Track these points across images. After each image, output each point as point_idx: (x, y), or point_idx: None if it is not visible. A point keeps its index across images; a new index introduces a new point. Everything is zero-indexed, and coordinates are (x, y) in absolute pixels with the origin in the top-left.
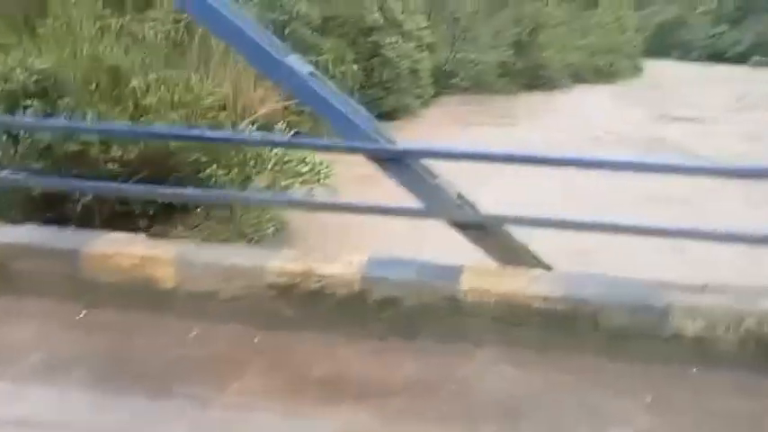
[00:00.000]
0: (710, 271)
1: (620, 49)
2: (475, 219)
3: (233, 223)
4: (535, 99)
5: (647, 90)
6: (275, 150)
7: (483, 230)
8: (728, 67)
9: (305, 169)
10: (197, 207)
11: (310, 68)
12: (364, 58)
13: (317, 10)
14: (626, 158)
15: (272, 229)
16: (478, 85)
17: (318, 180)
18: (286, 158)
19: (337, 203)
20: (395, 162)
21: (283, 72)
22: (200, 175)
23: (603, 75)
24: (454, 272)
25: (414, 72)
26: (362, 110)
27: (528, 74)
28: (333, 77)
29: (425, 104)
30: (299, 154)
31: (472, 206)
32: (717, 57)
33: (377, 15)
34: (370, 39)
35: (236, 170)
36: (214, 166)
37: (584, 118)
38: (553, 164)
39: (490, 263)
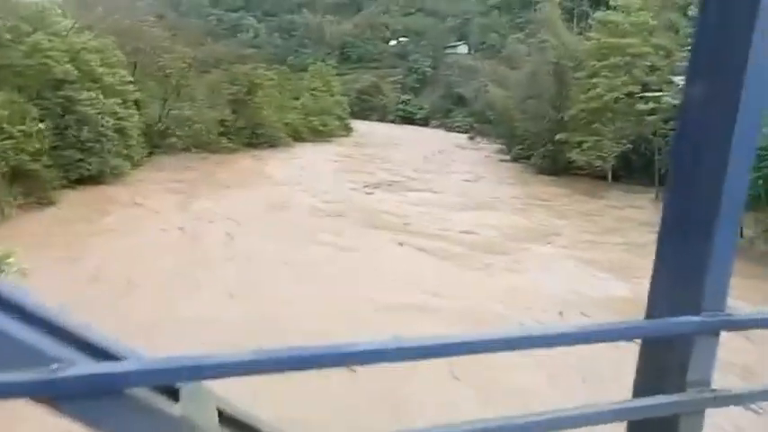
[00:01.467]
0: None
1: (331, 111)
2: None
3: None
4: (254, 159)
5: (357, 149)
6: None
7: None
8: (416, 129)
9: None
10: None
11: None
12: (55, 115)
13: None
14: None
15: None
16: (197, 144)
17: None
18: None
19: None
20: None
21: None
22: None
23: (318, 133)
24: None
25: (120, 131)
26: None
27: (248, 132)
28: (11, 138)
29: (137, 166)
30: None
31: None
32: (407, 119)
33: (68, 67)
34: (60, 93)
35: None
36: None
37: (301, 186)
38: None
39: None
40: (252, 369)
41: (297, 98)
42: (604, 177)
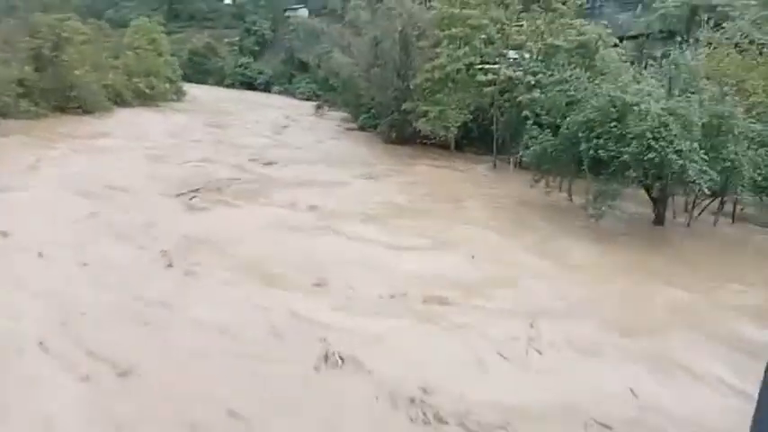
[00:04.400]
0: None
1: (159, 73)
2: None
3: None
4: (63, 133)
5: (189, 118)
6: None
7: None
8: (257, 95)
9: None
10: None
11: None
12: None
13: None
14: None
15: None
16: None
17: None
18: None
19: None
20: None
21: None
22: None
23: (145, 97)
24: None
25: None
26: None
27: (58, 94)
28: None
29: None
30: None
31: None
32: (247, 84)
33: None
34: None
35: None
36: None
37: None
38: None
39: None
40: None
41: (117, 57)
42: (448, 147)
